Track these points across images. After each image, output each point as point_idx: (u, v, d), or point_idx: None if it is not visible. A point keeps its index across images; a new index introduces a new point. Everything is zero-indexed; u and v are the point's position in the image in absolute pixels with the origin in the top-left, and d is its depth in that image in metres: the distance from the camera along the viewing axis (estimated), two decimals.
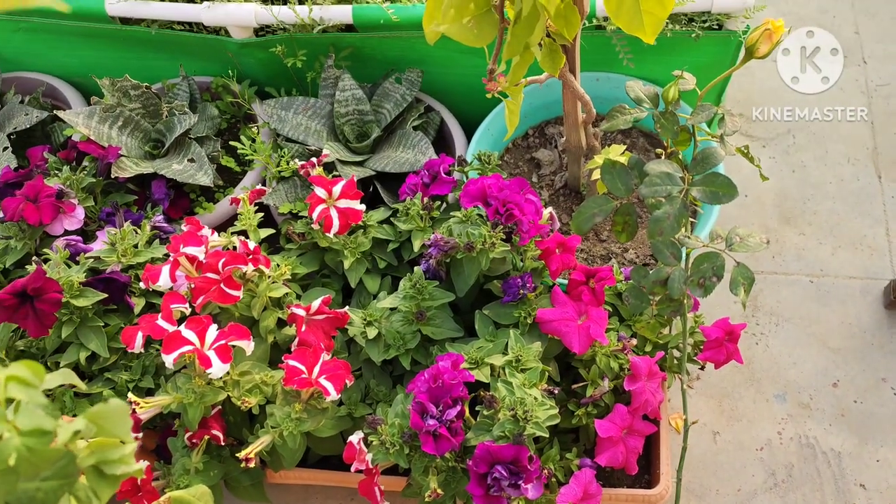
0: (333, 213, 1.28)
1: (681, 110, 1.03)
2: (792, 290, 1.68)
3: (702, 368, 1.28)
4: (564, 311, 1.18)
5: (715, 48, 1.44)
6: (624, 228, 0.95)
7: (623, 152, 1.11)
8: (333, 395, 1.11)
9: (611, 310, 1.26)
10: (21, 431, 0.51)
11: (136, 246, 1.31)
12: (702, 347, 1.22)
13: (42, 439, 0.53)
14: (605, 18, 1.43)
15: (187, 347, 1.07)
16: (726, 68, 1.47)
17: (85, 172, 1.45)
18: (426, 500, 1.07)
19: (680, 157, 0.96)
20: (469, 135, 1.57)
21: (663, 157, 0.95)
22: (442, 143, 1.61)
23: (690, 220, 0.95)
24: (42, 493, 0.55)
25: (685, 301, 0.97)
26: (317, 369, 1.12)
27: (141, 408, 1.08)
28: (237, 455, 1.11)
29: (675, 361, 1.25)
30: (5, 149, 1.56)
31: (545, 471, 1.07)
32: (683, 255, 0.94)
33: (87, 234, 1.42)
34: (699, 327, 1.23)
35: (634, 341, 1.21)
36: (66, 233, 1.37)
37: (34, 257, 1.31)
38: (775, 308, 1.66)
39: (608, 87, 1.54)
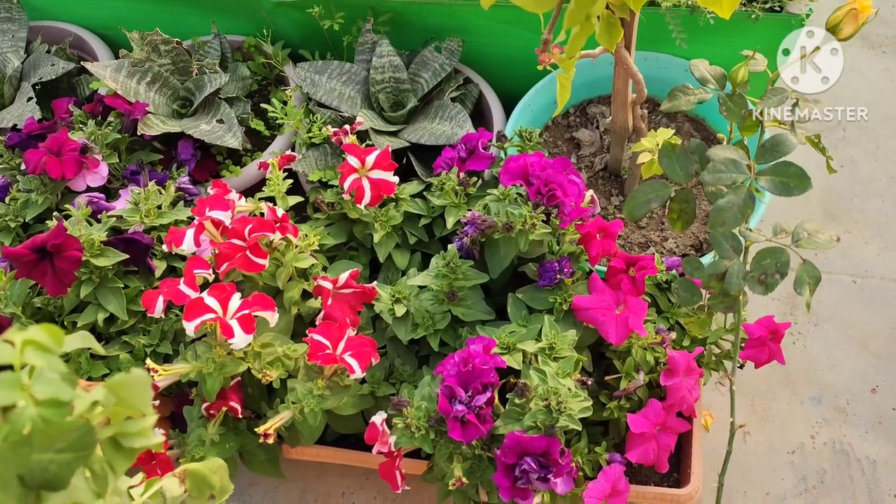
0: (366, 184, 1.23)
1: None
2: (833, 290, 1.61)
3: (741, 367, 1.22)
4: (602, 299, 1.13)
5: (773, 31, 1.36)
6: (680, 216, 0.90)
7: (671, 136, 1.05)
8: (358, 374, 1.07)
9: (649, 300, 1.21)
10: (37, 401, 0.47)
11: (159, 207, 1.26)
12: (742, 345, 1.17)
13: (59, 410, 0.49)
14: None
15: (209, 315, 1.03)
16: None
17: (110, 128, 1.40)
18: (450, 488, 1.03)
19: (745, 143, 0.90)
20: (507, 110, 1.51)
21: (725, 142, 0.89)
22: (479, 117, 1.55)
23: None
24: (56, 466, 0.52)
25: (741, 298, 0.91)
26: (342, 345, 1.08)
27: (159, 375, 1.04)
28: (255, 429, 1.07)
29: (714, 358, 1.20)
30: (30, 99, 1.52)
31: (574, 464, 1.03)
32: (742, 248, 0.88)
33: (109, 191, 1.38)
34: (741, 324, 1.17)
35: (673, 335, 1.15)
36: (89, 189, 1.33)
37: (55, 213, 1.27)
38: (815, 307, 1.59)
39: (656, 67, 1.47)
